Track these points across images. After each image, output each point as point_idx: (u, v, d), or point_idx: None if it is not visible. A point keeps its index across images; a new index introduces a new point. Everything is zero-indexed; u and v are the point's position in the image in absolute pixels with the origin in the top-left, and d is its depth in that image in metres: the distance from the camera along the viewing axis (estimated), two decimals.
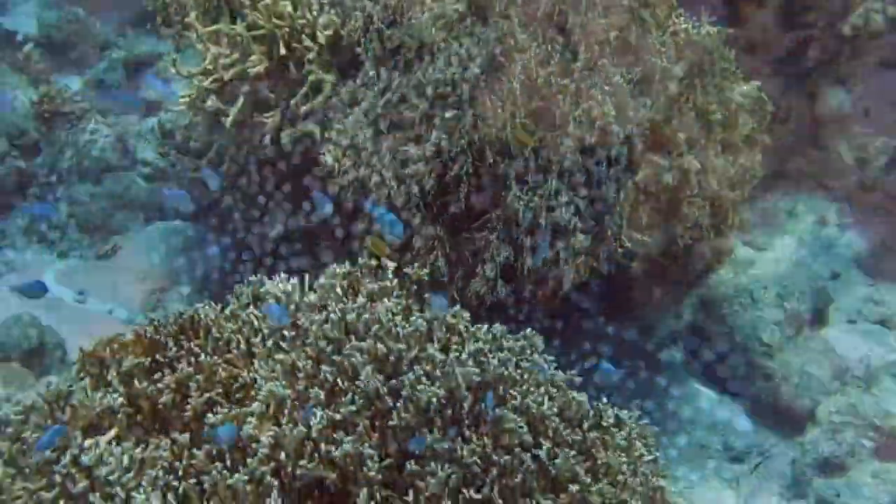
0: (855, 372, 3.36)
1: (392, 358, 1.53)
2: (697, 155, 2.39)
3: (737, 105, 2.52)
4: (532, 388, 1.56)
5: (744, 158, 2.60)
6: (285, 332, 1.63)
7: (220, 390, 1.53)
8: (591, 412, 1.59)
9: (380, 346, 1.52)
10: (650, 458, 1.55)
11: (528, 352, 1.65)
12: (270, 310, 1.63)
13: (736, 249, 3.43)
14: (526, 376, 1.58)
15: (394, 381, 1.50)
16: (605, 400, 1.63)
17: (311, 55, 2.53)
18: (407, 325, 1.57)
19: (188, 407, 1.48)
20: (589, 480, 1.45)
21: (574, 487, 1.42)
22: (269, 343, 1.62)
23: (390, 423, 1.45)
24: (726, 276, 3.26)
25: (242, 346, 1.62)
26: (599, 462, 1.49)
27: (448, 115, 2.26)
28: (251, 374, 1.56)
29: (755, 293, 3.10)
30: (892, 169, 3.96)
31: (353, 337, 1.59)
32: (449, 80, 2.27)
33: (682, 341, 3.36)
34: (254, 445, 1.42)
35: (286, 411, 1.49)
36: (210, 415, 1.46)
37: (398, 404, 1.46)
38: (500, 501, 1.37)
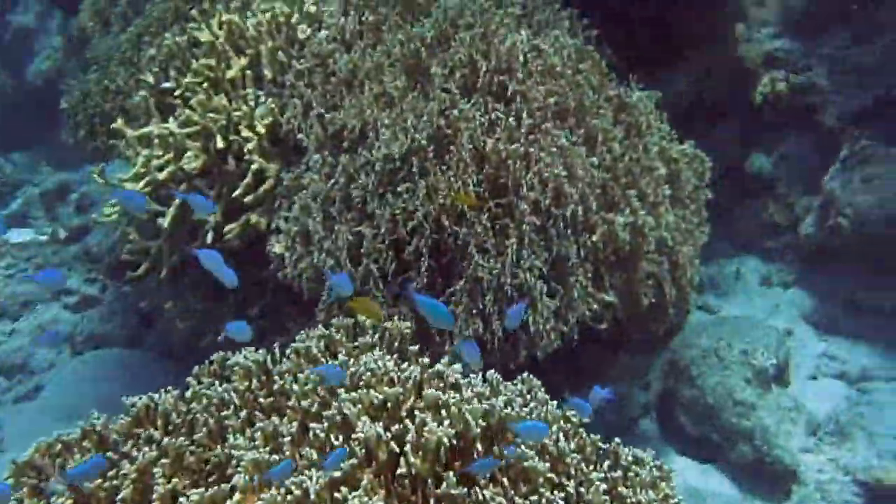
0: (826, 428, 3.36)
1: (389, 405, 1.42)
2: (649, 211, 2.43)
3: (678, 162, 2.61)
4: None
5: (691, 213, 2.67)
6: (261, 401, 1.50)
7: (190, 476, 1.37)
8: (608, 449, 1.51)
9: (373, 393, 1.42)
10: (675, 499, 1.45)
11: (530, 394, 1.57)
12: (327, 370, 1.50)
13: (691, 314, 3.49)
14: (534, 415, 1.49)
15: (397, 426, 1.39)
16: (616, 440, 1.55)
17: (250, 145, 2.50)
18: (399, 372, 1.48)
19: (154, 498, 1.31)
20: None
21: None
22: (243, 414, 1.48)
23: (398, 471, 1.31)
24: (689, 338, 3.27)
25: (212, 424, 1.47)
26: (628, 501, 1.39)
27: (400, 188, 2.24)
28: (226, 451, 1.41)
29: (720, 352, 3.10)
30: (820, 226, 4.15)
31: (340, 392, 1.48)
32: (397, 155, 2.27)
33: (654, 411, 3.31)
34: None
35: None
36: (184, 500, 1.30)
37: (406, 449, 1.34)
38: None
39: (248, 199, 2.46)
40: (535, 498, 1.34)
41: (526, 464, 1.39)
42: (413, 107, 2.37)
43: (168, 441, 1.44)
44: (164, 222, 2.56)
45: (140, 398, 1.58)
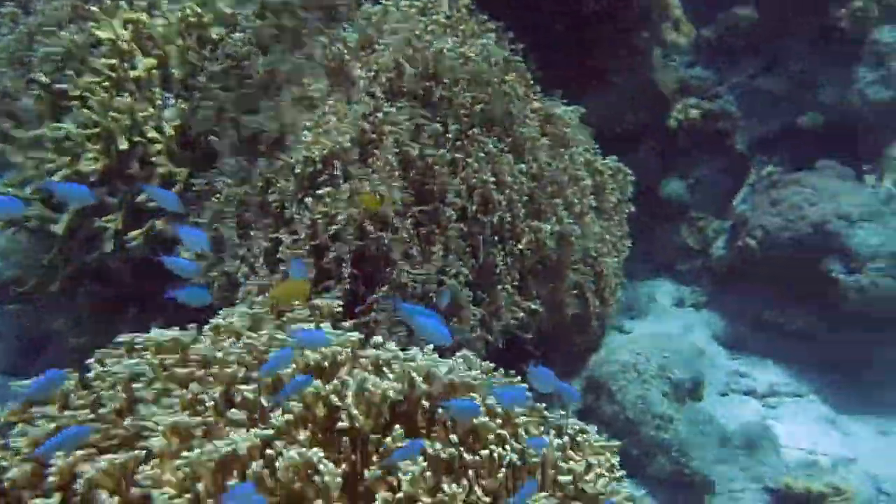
0: (737, 441, 3.49)
1: (327, 364, 1.37)
2: (575, 220, 2.46)
3: (602, 174, 2.66)
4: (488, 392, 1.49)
5: (614, 226, 2.72)
6: (177, 371, 1.41)
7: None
8: (553, 420, 1.51)
9: (308, 353, 1.38)
10: (621, 472, 1.46)
11: (467, 365, 1.55)
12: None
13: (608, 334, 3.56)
14: (478, 382, 1.47)
15: (336, 382, 1.35)
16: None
17: (157, 147, 2.38)
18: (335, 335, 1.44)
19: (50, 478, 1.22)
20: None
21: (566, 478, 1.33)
22: (157, 386, 1.39)
23: (339, 425, 1.29)
24: (608, 355, 3.32)
25: (120, 397, 1.42)
26: (578, 464, 1.39)
27: (321, 192, 2.18)
28: (137, 423, 1.37)
29: (639, 366, 3.16)
30: (730, 248, 4.34)
31: (270, 356, 1.46)
32: (318, 158, 2.21)
33: None
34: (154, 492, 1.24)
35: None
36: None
37: (347, 401, 1.30)
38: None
39: (152, 204, 2.33)
40: (486, 452, 1.32)
41: (476, 421, 1.38)
42: (336, 110, 2.32)
43: (67, 414, 1.35)
44: (58, 228, 2.39)
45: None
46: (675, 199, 4.41)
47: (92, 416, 1.41)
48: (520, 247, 2.33)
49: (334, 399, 1.40)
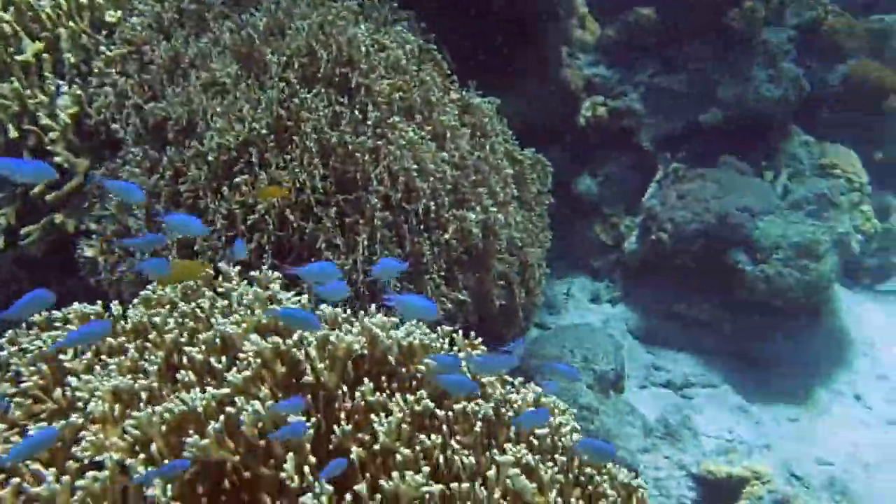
0: (658, 431, 3.61)
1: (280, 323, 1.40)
2: (499, 210, 2.48)
3: (522, 163, 2.70)
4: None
5: (536, 217, 2.76)
6: (110, 340, 1.41)
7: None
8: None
9: (258, 311, 1.33)
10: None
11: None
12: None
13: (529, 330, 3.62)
14: (437, 344, 1.49)
15: (295, 337, 1.36)
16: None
17: (53, 136, 2.24)
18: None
19: None
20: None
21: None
22: (88, 356, 1.36)
23: (304, 380, 1.30)
24: (532, 348, 3.36)
25: (44, 370, 1.36)
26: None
27: (238, 180, 2.11)
28: (67, 394, 1.31)
29: (564, 359, 3.22)
30: (642, 243, 4.50)
31: (217, 317, 1.46)
32: (233, 145, 2.14)
33: None
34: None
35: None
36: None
37: (311, 353, 1.30)
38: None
39: (49, 197, 2.19)
40: (459, 406, 1.32)
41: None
42: (248, 96, 2.25)
43: None
44: None
45: None
46: (587, 196, 4.54)
47: (13, 390, 1.32)
48: (446, 236, 2.33)
49: (296, 353, 1.36)
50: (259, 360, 1.33)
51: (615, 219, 4.57)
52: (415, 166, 2.27)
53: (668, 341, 4.37)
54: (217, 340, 1.40)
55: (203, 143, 2.15)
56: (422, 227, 2.28)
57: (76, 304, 1.58)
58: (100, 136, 2.31)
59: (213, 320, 1.48)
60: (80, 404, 1.28)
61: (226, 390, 1.27)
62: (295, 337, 1.39)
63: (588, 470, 1.37)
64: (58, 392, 1.33)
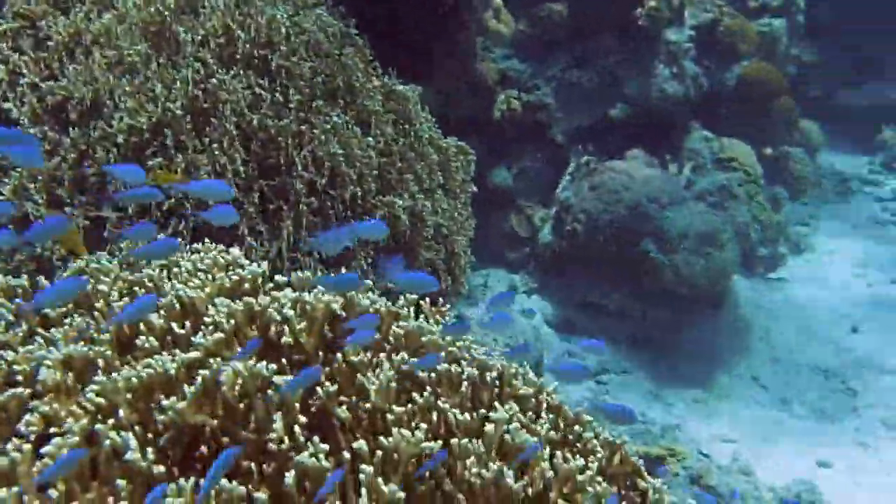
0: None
1: (247, 285, 1.39)
2: (426, 197, 2.44)
3: (447, 151, 2.66)
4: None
5: (461, 205, 2.73)
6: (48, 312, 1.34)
7: None
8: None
9: (223, 276, 1.36)
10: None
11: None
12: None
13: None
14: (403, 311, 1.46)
15: (266, 299, 1.33)
16: None
17: None
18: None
19: None
20: None
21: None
22: (23, 328, 1.29)
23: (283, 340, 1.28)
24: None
25: None
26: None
27: (151, 163, 1.96)
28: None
29: (489, 345, 3.21)
30: (556, 234, 4.56)
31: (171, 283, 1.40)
32: (146, 127, 1.99)
33: None
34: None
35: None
36: None
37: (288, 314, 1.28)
38: None
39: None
40: (443, 367, 1.31)
41: (424, 339, 1.38)
42: (161, 76, 2.11)
43: None
44: None
45: None
46: (502, 188, 4.55)
47: None
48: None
49: (273, 313, 1.28)
50: (233, 322, 1.24)
51: (530, 211, 4.61)
52: (341, 151, 2.19)
53: (582, 330, 4.45)
54: (176, 305, 1.32)
55: (112, 124, 2.00)
56: (348, 213, 2.20)
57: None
58: None
59: (167, 286, 1.39)
60: (18, 378, 1.16)
61: (195, 354, 1.19)
62: (266, 299, 1.31)
63: (576, 428, 1.35)
64: None
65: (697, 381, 4.36)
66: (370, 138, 2.32)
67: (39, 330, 1.29)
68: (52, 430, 1.09)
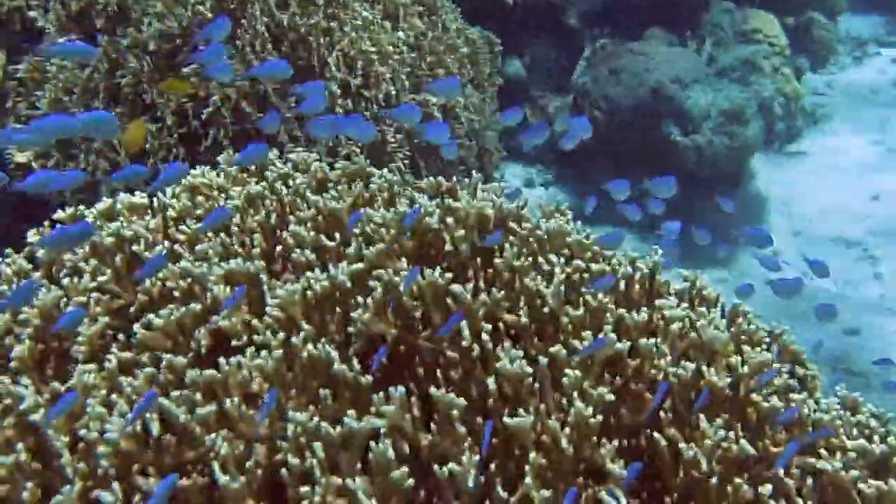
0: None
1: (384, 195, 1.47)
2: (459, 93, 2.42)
3: (475, 42, 2.62)
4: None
5: (489, 99, 2.71)
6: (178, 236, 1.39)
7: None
8: None
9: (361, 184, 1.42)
10: None
11: None
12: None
13: None
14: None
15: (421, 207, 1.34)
16: None
17: None
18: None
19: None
20: None
21: None
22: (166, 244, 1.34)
23: (446, 248, 1.30)
24: None
25: (118, 262, 1.30)
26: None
27: (186, 70, 1.95)
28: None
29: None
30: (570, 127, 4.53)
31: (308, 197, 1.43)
32: (177, 31, 1.96)
33: None
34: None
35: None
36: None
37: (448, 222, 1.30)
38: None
39: None
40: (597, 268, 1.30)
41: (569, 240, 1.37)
42: None
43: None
44: None
45: None
46: (514, 79, 4.47)
47: (93, 284, 1.26)
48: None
49: (430, 221, 1.28)
50: (392, 232, 1.26)
51: (544, 101, 4.55)
52: (373, 49, 2.16)
53: (602, 220, 4.49)
54: (320, 218, 1.34)
55: (141, 30, 1.97)
56: (384, 113, 2.20)
57: (122, 198, 1.46)
58: (13, 24, 2.07)
59: (301, 199, 1.40)
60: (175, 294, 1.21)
61: (360, 265, 1.20)
62: (416, 204, 1.33)
63: (740, 320, 1.35)
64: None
65: (719, 261, 4.44)
66: (400, 33, 2.28)
67: (179, 248, 1.32)
68: (234, 343, 1.14)
